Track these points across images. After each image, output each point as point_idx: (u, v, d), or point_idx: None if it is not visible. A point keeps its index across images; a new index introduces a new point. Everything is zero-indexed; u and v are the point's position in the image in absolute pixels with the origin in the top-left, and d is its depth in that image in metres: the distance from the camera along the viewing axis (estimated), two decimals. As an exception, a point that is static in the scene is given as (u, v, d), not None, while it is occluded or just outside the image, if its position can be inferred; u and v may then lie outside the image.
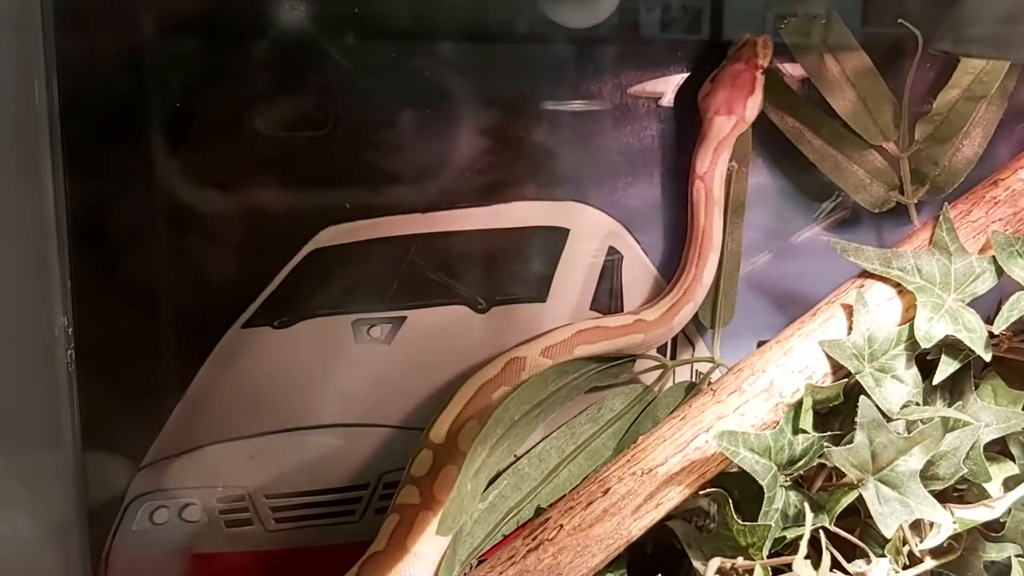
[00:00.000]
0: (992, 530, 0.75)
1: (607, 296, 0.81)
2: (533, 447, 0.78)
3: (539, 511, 0.73)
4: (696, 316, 0.81)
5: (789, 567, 0.65)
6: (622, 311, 0.81)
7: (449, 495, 0.66)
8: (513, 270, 0.78)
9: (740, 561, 0.65)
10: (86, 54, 0.65)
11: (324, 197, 0.72)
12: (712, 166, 0.77)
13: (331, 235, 0.72)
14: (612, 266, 0.80)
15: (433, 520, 0.69)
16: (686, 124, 0.79)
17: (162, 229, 0.69)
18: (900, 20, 0.73)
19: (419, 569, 0.68)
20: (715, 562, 0.65)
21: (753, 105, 0.76)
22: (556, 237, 0.78)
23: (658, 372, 0.83)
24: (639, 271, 0.81)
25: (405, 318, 0.75)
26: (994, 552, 0.74)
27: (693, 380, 0.83)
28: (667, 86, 0.79)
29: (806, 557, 0.65)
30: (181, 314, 0.71)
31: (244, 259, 0.71)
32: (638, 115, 0.78)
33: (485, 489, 0.72)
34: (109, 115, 0.67)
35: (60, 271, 0.67)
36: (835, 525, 0.70)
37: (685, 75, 0.79)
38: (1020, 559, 0.71)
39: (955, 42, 0.63)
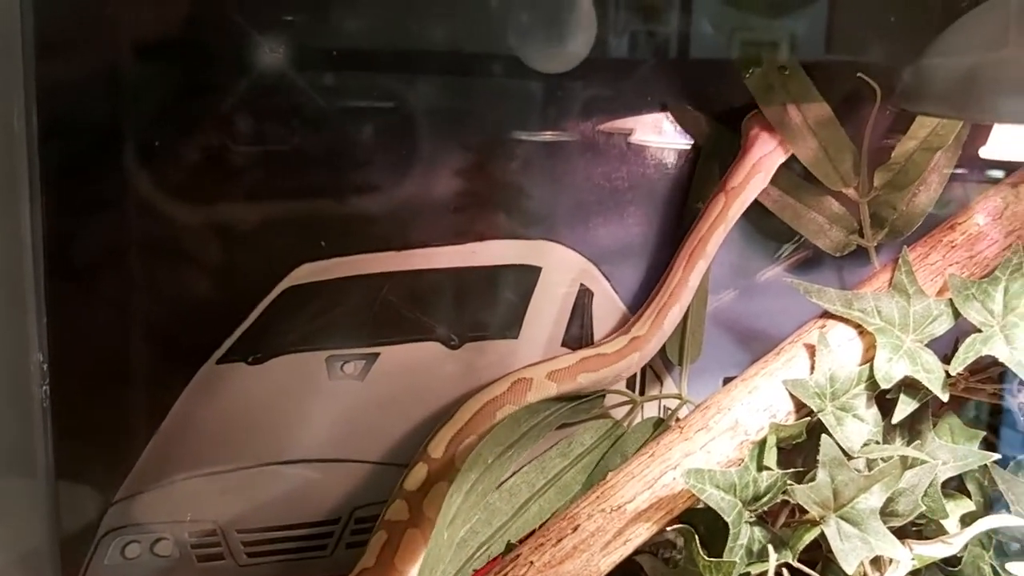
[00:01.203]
0: (950, 565, 0.77)
1: (578, 332, 0.82)
2: (504, 481, 0.79)
3: (509, 546, 0.74)
4: (664, 352, 0.83)
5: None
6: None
7: (438, 513, 0.67)
8: (486, 307, 0.79)
9: (706, 597, 0.66)
10: (66, 81, 0.66)
11: (301, 235, 0.73)
12: (743, 184, 0.79)
13: (306, 272, 0.73)
14: (583, 303, 0.82)
15: (420, 539, 0.70)
16: (655, 161, 0.82)
17: (137, 263, 0.70)
18: (858, 74, 0.76)
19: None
20: (681, 599, 0.67)
21: (777, 151, 0.79)
22: (528, 275, 0.80)
23: (627, 407, 0.85)
24: (609, 308, 0.83)
25: (378, 354, 0.76)
26: (952, 587, 0.76)
27: (661, 416, 0.85)
28: (636, 123, 0.82)
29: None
30: (156, 349, 0.72)
31: (220, 295, 0.72)
32: (609, 153, 0.81)
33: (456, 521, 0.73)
34: (87, 145, 0.67)
35: (36, 306, 0.67)
36: (799, 560, 0.72)
37: (655, 112, 0.81)
38: (976, 593, 0.73)
39: (912, 100, 0.65)
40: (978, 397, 0.79)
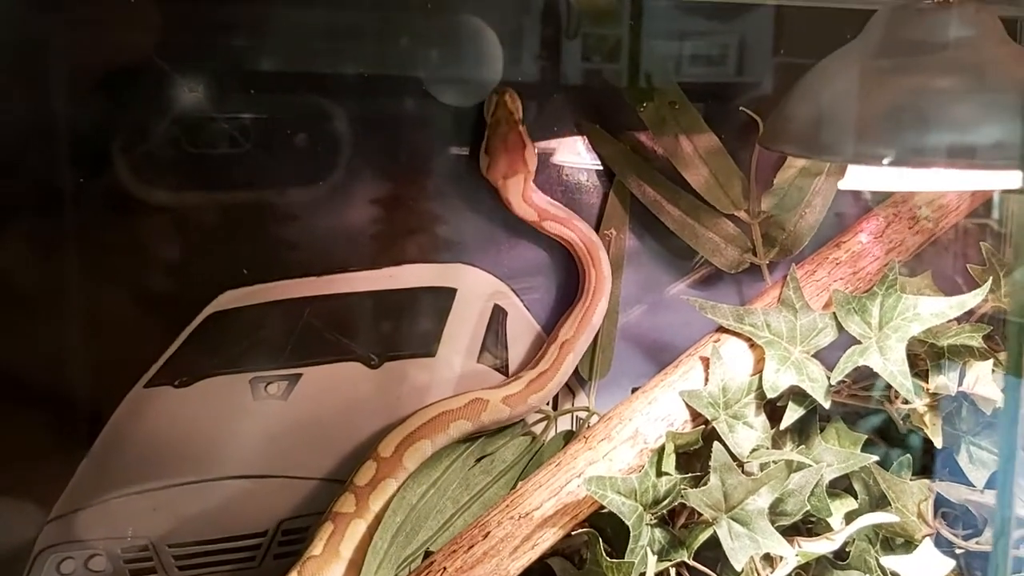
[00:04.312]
0: (839, 559, 0.82)
1: (493, 350, 0.87)
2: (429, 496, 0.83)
3: (427, 555, 0.78)
4: (576, 370, 0.88)
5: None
6: (507, 365, 0.87)
7: (383, 507, 0.75)
8: (404, 328, 0.84)
9: (598, 596, 0.71)
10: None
11: (223, 263, 0.77)
12: (539, 220, 0.83)
13: (229, 299, 0.77)
14: (497, 322, 0.87)
15: (363, 527, 0.76)
16: (571, 182, 0.87)
17: (69, 291, 0.73)
18: (741, 108, 0.81)
19: (349, 571, 0.74)
20: (573, 598, 0.72)
21: (531, 156, 0.82)
22: (444, 296, 0.85)
23: (544, 423, 0.90)
24: (522, 326, 0.88)
25: (301, 375, 0.80)
26: (840, 579, 0.82)
27: (573, 429, 0.90)
28: (557, 145, 0.87)
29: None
30: (86, 373, 0.75)
31: (146, 321, 0.76)
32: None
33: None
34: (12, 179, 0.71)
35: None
36: (700, 559, 0.77)
37: (574, 136, 0.86)
38: (860, 585, 0.79)
39: (774, 140, 0.71)
40: (861, 404, 0.85)
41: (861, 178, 0.77)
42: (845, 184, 0.80)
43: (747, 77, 0.89)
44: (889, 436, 0.88)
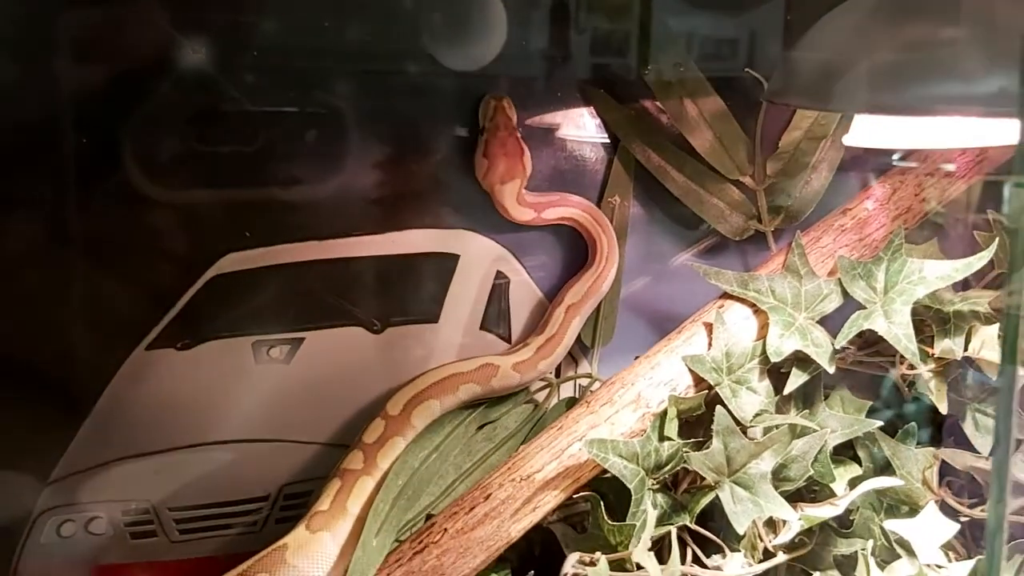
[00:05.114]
0: (842, 527, 0.82)
1: (496, 317, 0.87)
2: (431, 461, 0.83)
3: (428, 518, 0.78)
4: (580, 335, 0.87)
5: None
6: (510, 332, 0.87)
7: (390, 464, 0.75)
8: (406, 293, 0.83)
9: (596, 555, 0.71)
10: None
11: (226, 226, 0.77)
12: (536, 215, 0.84)
13: (231, 262, 0.77)
14: (500, 289, 0.87)
15: (371, 484, 0.76)
16: (575, 154, 0.87)
17: (68, 252, 0.73)
18: (746, 69, 0.81)
19: (355, 527, 0.74)
20: (573, 557, 0.71)
21: (528, 161, 0.82)
22: (447, 262, 0.84)
23: (546, 391, 0.89)
24: (525, 294, 0.88)
25: (303, 339, 0.80)
26: (843, 547, 0.81)
27: (575, 396, 0.89)
28: (563, 118, 0.86)
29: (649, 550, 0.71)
30: (88, 335, 0.75)
31: (148, 284, 0.76)
32: (532, 146, 0.84)
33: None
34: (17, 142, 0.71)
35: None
36: (704, 525, 0.76)
37: (581, 108, 0.86)
38: (864, 552, 0.78)
39: (781, 93, 0.70)
40: (866, 370, 0.84)
41: (866, 134, 0.77)
42: (850, 140, 0.80)
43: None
44: (895, 404, 0.87)
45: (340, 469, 0.76)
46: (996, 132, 0.67)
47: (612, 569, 0.71)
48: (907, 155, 0.86)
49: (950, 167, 0.85)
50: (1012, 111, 0.54)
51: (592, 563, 0.69)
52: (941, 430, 0.88)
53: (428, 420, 0.79)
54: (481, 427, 0.85)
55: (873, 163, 0.88)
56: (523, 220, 0.83)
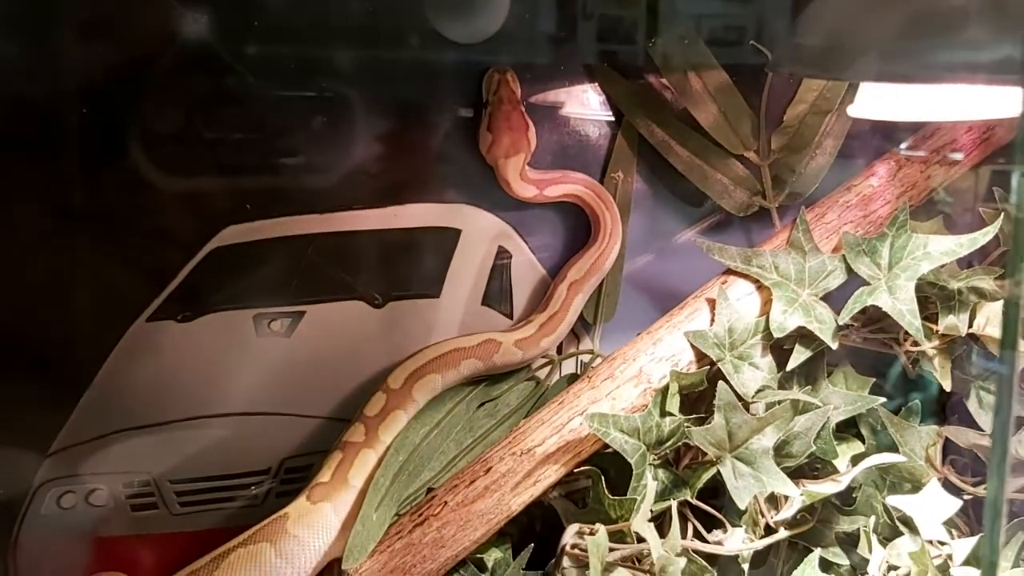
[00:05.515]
0: (845, 504, 0.82)
1: (497, 293, 0.86)
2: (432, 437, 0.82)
3: (430, 491, 0.78)
4: (581, 315, 0.87)
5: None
6: (511, 308, 0.87)
7: (391, 437, 0.75)
8: (408, 268, 0.83)
9: (596, 526, 0.70)
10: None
11: (225, 198, 0.76)
12: (538, 192, 0.83)
13: (232, 234, 0.76)
14: (502, 265, 0.86)
15: (372, 457, 0.75)
16: (578, 131, 0.86)
17: (68, 224, 0.73)
18: (752, 43, 0.80)
19: (356, 499, 0.74)
20: (573, 527, 0.71)
21: (532, 135, 0.82)
22: (449, 237, 0.84)
23: (548, 367, 0.89)
24: (528, 270, 0.87)
25: (304, 313, 0.80)
26: (846, 524, 0.81)
27: (577, 373, 0.89)
28: (567, 96, 0.86)
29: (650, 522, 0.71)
30: (88, 306, 0.75)
31: (148, 256, 0.75)
32: (535, 123, 0.83)
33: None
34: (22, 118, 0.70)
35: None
36: (707, 502, 0.76)
37: (586, 85, 0.85)
38: (866, 529, 0.78)
39: (786, 63, 0.70)
40: (870, 347, 0.84)
41: (871, 105, 0.76)
42: (855, 111, 0.79)
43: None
44: (899, 384, 0.87)
45: (341, 442, 0.76)
46: (1002, 103, 0.66)
47: (612, 541, 0.71)
48: (915, 130, 0.85)
49: (958, 156, 0.85)
50: (1018, 79, 0.53)
51: (591, 533, 0.69)
52: (945, 409, 0.88)
53: (430, 395, 0.79)
54: (482, 404, 0.84)
55: (879, 139, 0.87)
56: (526, 197, 0.83)
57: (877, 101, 0.75)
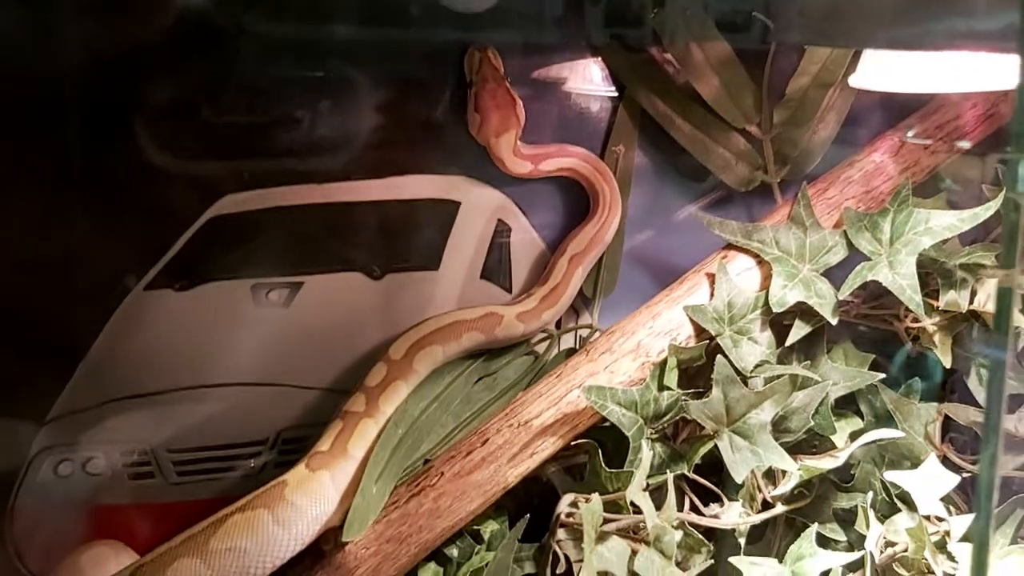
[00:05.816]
0: (843, 480, 0.82)
1: (496, 267, 0.86)
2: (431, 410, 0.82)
3: (426, 462, 0.78)
4: (580, 289, 0.86)
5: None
6: (511, 281, 0.86)
7: (392, 407, 0.75)
8: (407, 240, 0.83)
9: (591, 495, 0.70)
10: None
11: (223, 167, 0.76)
12: (534, 167, 0.82)
13: (230, 203, 0.76)
14: (501, 237, 0.86)
15: (372, 427, 0.75)
16: (580, 105, 0.85)
17: (66, 193, 0.73)
18: (753, 12, 0.79)
19: (354, 468, 0.74)
20: (568, 497, 0.71)
21: (521, 111, 0.81)
22: (448, 209, 0.83)
23: (547, 342, 0.89)
24: (527, 244, 0.87)
25: (302, 283, 0.80)
26: (844, 500, 0.81)
27: (575, 347, 0.89)
28: (570, 71, 0.85)
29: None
30: (85, 274, 0.74)
31: (146, 224, 0.75)
32: (536, 97, 0.83)
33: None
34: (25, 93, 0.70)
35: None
36: (705, 476, 0.76)
37: (588, 60, 0.84)
38: (864, 506, 0.78)
39: (788, 31, 0.69)
40: (872, 323, 0.83)
41: (873, 75, 0.75)
42: (857, 81, 0.78)
43: None
44: (899, 361, 0.87)
45: (342, 411, 0.76)
46: (1006, 74, 0.65)
47: (608, 512, 0.71)
48: (919, 104, 0.85)
49: (962, 132, 0.84)
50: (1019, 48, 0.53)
51: (587, 502, 0.69)
52: (945, 386, 0.87)
53: (431, 366, 0.79)
54: (481, 378, 0.84)
55: (882, 114, 0.86)
56: (521, 173, 0.82)
57: (879, 71, 0.74)
